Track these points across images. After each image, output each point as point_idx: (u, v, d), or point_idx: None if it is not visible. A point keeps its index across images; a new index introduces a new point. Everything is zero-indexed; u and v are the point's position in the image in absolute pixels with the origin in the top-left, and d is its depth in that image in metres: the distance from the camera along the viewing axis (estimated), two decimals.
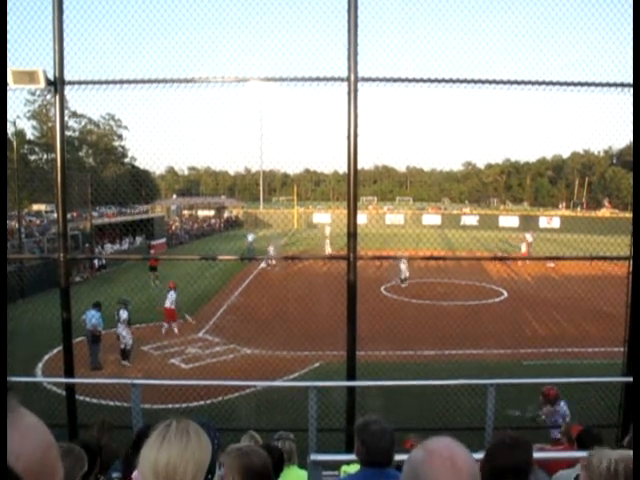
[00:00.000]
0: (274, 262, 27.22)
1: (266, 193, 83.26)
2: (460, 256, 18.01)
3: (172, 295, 15.48)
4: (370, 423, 2.81)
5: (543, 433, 7.09)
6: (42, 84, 5.72)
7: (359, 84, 5.88)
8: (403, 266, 22.23)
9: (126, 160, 63.67)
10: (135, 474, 3.28)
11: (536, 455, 2.71)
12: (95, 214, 32.72)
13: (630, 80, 5.99)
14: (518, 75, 6.16)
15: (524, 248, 29.56)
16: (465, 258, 18.80)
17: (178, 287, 15.95)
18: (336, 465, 3.97)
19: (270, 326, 14.39)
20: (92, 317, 12.50)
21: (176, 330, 15.34)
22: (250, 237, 31.73)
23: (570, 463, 3.27)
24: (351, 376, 6.26)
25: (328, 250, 31.00)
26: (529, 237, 32.84)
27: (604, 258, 7.50)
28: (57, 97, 6.07)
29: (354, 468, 3.51)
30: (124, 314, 12.94)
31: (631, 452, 1.63)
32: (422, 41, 6.36)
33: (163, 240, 36.63)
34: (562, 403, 7.21)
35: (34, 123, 58.02)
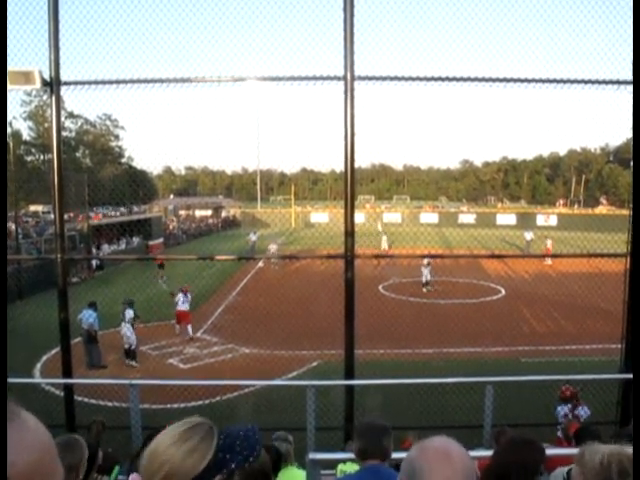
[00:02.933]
0: (276, 261, 26.90)
1: (263, 192, 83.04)
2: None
3: (181, 298, 15.17)
4: (364, 421, 2.82)
5: (543, 430, 7.08)
6: (38, 84, 5.70)
7: (355, 83, 5.87)
8: (425, 270, 21.53)
9: (123, 160, 63.47)
10: (132, 477, 3.27)
11: None
12: (92, 214, 32.64)
13: (627, 77, 6.00)
14: (515, 73, 6.17)
15: (549, 244, 28.56)
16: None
17: (189, 292, 15.60)
18: (334, 464, 3.97)
19: (268, 325, 14.37)
20: (89, 317, 12.49)
21: (189, 334, 14.83)
22: (253, 236, 31.81)
23: (570, 461, 3.27)
24: (349, 375, 6.26)
25: (385, 247, 30.75)
26: (528, 236, 32.84)
27: (601, 255, 7.50)
28: (53, 97, 6.05)
29: (350, 467, 3.52)
30: (129, 313, 12.87)
31: (623, 447, 1.63)
32: (419, 39, 6.37)
33: (160, 240, 36.57)
34: (559, 407, 7.18)
35: (30, 124, 57.80)
